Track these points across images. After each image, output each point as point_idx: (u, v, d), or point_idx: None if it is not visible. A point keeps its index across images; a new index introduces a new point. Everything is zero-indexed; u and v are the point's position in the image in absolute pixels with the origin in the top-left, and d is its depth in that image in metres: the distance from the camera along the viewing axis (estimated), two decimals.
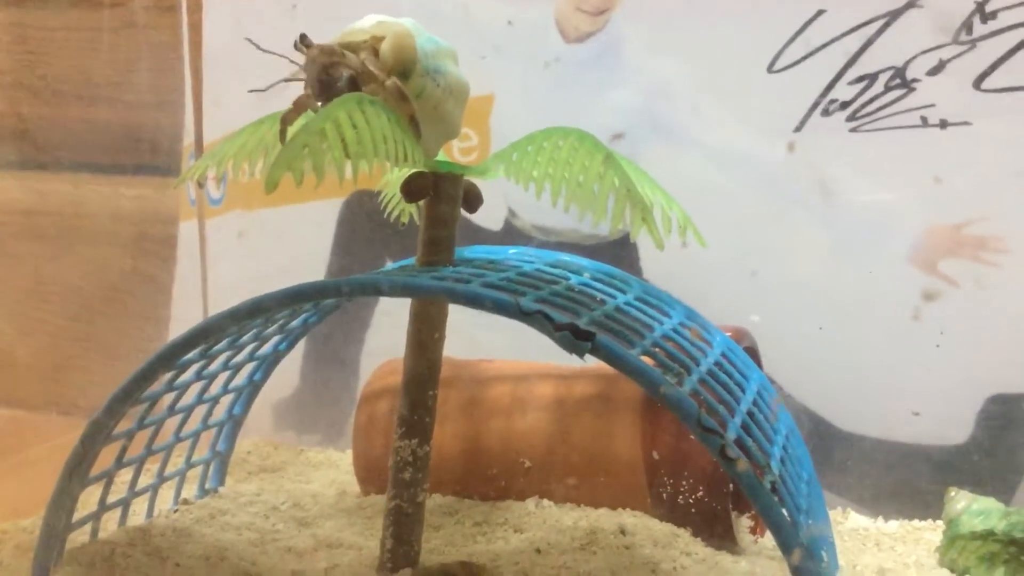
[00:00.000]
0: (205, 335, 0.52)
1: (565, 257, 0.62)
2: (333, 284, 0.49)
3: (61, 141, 1.06)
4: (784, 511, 0.45)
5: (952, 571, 0.62)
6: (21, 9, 1.06)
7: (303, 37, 0.51)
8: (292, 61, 0.52)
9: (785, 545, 0.45)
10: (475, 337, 0.78)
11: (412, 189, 0.55)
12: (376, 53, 0.50)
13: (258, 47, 0.51)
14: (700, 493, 0.63)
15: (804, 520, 0.50)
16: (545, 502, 0.69)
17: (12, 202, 1.08)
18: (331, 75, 0.50)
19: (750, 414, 0.52)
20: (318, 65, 0.50)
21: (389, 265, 0.65)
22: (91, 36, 1.04)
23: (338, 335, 0.92)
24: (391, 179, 0.64)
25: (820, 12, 0.77)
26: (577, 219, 0.51)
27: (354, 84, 0.50)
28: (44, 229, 1.07)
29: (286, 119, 0.51)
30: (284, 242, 0.94)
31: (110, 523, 0.64)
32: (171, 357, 0.53)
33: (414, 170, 0.55)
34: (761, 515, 0.45)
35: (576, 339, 0.46)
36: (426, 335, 0.56)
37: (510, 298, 0.47)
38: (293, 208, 0.93)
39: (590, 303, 0.51)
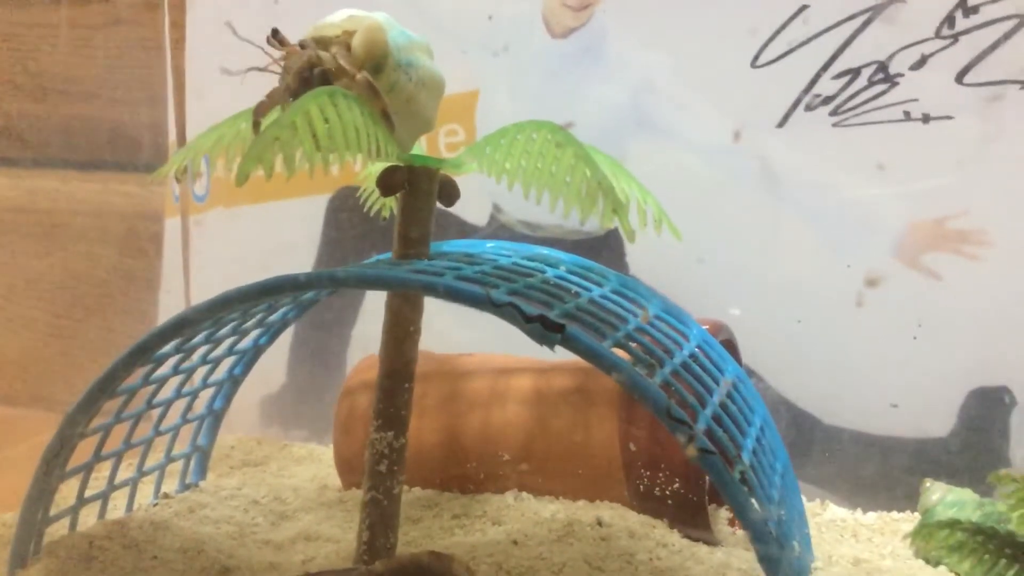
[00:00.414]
0: (177, 329, 0.52)
1: (543, 250, 0.62)
2: (291, 278, 0.49)
3: (48, 138, 1.06)
4: (753, 500, 0.46)
5: (927, 562, 0.62)
6: (6, 7, 1.06)
7: (275, 32, 0.51)
8: (269, 54, 0.52)
9: (754, 534, 0.45)
10: (453, 333, 0.78)
11: (387, 183, 0.55)
12: (348, 47, 0.51)
13: (235, 32, 0.51)
14: (676, 485, 0.63)
15: (775, 510, 0.50)
16: (524, 494, 0.69)
17: None
18: (302, 72, 0.50)
19: (723, 406, 0.52)
20: (290, 62, 0.50)
21: (368, 259, 0.66)
22: (77, 33, 1.04)
23: (324, 331, 0.93)
24: (370, 174, 0.64)
25: (803, 7, 0.78)
26: (550, 210, 0.51)
27: (326, 80, 0.50)
28: (31, 226, 1.07)
29: (259, 111, 0.51)
30: (269, 239, 0.94)
31: (90, 517, 0.64)
32: (145, 351, 0.53)
33: (389, 164, 0.55)
34: (729, 504, 0.45)
35: (546, 331, 0.46)
36: (401, 328, 0.56)
37: (481, 290, 0.47)
38: (278, 204, 0.93)
39: (564, 296, 0.51)
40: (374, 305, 0.91)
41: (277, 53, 0.52)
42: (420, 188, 0.56)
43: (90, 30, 1.03)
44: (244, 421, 0.93)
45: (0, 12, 1.06)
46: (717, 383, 0.55)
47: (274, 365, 0.93)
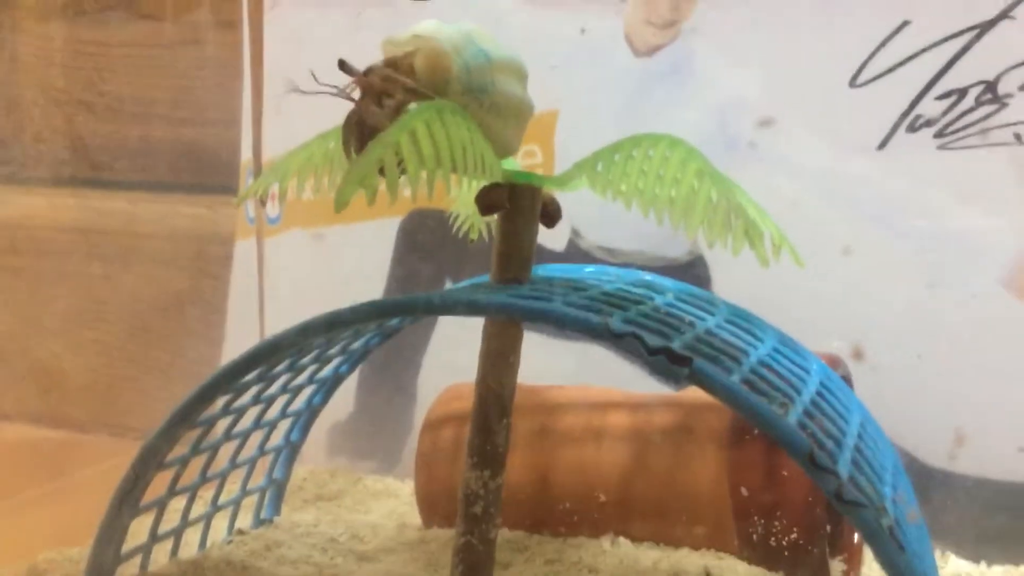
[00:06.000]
0: (272, 352, 0.48)
1: (647, 276, 0.58)
2: (424, 298, 0.45)
3: (118, 159, 1.06)
4: (907, 559, 0.41)
5: None
6: (79, 26, 1.05)
7: (341, 63, 0.47)
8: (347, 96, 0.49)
9: None
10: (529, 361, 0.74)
11: (487, 201, 0.51)
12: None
13: (300, 89, 0.48)
14: (794, 534, 0.58)
15: (919, 566, 0.45)
16: (621, 540, 0.65)
17: (68, 220, 1.08)
18: (372, 115, 0.46)
19: (857, 449, 0.48)
20: (362, 102, 0.46)
21: (462, 283, 0.62)
22: (149, 53, 1.03)
23: (394, 359, 0.90)
24: (461, 193, 0.60)
25: (905, 23, 0.74)
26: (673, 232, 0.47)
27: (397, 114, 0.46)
28: (100, 247, 1.07)
29: (351, 123, 0.47)
30: (342, 261, 0.92)
31: (161, 555, 0.61)
32: (232, 377, 0.50)
33: (489, 182, 0.51)
34: (883, 565, 0.40)
35: (671, 364, 0.42)
36: (501, 358, 0.53)
37: (599, 319, 0.43)
38: (351, 227, 0.91)
39: (679, 325, 0.47)
40: (447, 331, 0.88)
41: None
42: (522, 207, 0.52)
43: (163, 49, 1.02)
44: (311, 451, 0.90)
45: (72, 31, 1.06)
46: (847, 422, 0.50)
47: (342, 393, 0.90)
